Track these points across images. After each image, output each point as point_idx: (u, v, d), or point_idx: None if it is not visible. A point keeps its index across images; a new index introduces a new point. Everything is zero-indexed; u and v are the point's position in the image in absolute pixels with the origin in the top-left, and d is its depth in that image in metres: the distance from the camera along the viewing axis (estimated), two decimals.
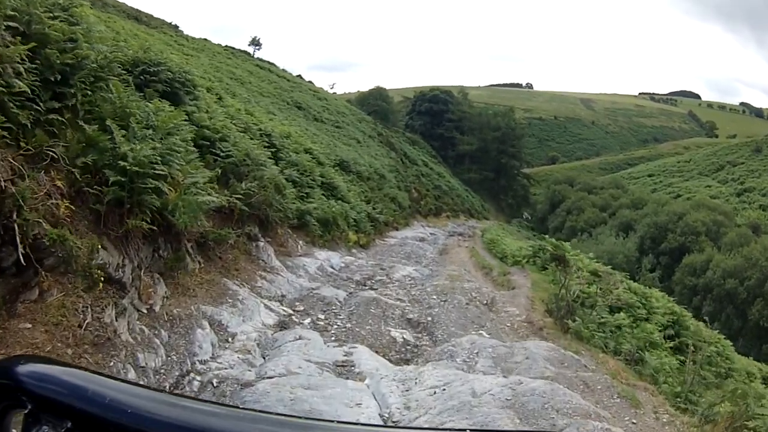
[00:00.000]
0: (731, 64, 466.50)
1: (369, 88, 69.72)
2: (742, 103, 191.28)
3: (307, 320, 7.17)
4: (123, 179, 5.02)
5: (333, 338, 6.62)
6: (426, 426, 4.37)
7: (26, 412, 0.75)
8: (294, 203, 12.44)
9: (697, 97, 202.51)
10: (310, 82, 59.96)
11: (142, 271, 5.32)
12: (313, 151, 18.71)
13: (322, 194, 15.53)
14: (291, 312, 7.25)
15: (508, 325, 8.26)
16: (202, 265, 6.88)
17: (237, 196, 8.18)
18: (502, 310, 8.95)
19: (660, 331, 11.15)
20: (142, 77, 8.33)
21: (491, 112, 68.96)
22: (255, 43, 73.54)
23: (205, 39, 46.30)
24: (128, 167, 4.99)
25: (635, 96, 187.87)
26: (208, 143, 9.48)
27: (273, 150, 14.55)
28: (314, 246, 12.10)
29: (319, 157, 18.86)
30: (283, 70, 55.31)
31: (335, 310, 7.72)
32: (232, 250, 7.76)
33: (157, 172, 5.19)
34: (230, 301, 6.51)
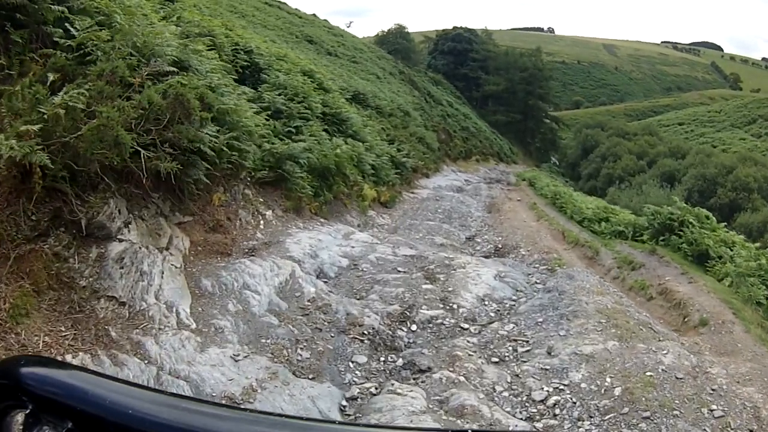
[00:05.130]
0: (753, 19, 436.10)
1: (388, 28, 61.54)
2: (764, 59, 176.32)
3: None
4: None
5: None
6: None
7: (27, 412, 0.70)
8: (267, 143, 6.83)
9: (720, 49, 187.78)
10: (325, 20, 51.75)
11: None
12: (314, 74, 12.78)
13: (324, 130, 9.82)
14: None
15: None
16: None
17: (28, 127, 2.57)
18: None
19: None
20: None
21: (518, 52, 61.07)
22: None
23: None
24: None
25: (658, 44, 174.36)
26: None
27: (250, 68, 9.16)
28: (299, 216, 6.51)
29: (323, 82, 12.96)
30: (296, 9, 47.14)
31: None
32: None
33: None
34: None
